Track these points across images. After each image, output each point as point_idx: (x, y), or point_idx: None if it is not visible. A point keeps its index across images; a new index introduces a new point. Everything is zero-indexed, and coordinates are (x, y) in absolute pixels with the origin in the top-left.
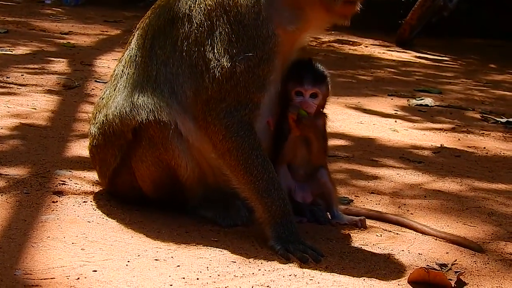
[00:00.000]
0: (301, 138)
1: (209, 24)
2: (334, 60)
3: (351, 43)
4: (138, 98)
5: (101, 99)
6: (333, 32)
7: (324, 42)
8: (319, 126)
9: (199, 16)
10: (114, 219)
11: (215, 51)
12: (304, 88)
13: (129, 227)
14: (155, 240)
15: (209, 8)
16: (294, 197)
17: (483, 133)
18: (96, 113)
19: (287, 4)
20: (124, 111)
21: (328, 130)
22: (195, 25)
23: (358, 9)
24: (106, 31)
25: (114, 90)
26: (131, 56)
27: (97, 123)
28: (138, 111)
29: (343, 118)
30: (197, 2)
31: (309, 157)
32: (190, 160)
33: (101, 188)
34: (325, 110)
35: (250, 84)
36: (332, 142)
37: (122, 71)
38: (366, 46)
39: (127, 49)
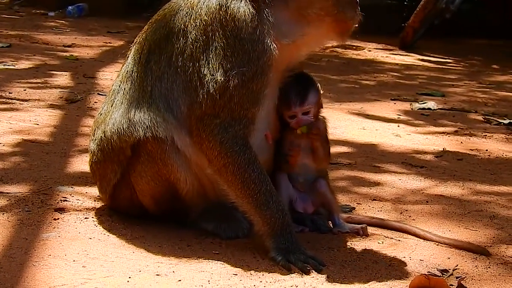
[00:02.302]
0: (304, 147)
1: (205, 39)
2: (337, 65)
3: (354, 47)
4: (134, 115)
5: (99, 114)
6: None
7: (327, 47)
8: (322, 130)
9: (194, 31)
10: (115, 235)
11: (210, 66)
12: (293, 111)
13: (131, 242)
14: (156, 254)
15: (204, 23)
16: (296, 207)
17: (486, 135)
18: (95, 129)
19: (287, 17)
20: (121, 128)
21: (331, 137)
22: (190, 40)
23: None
24: (109, 43)
25: (112, 106)
26: (127, 71)
27: (96, 139)
28: (135, 128)
29: (346, 124)
30: (192, 18)
31: (309, 165)
32: (189, 174)
33: (102, 204)
34: (327, 117)
35: (244, 99)
36: (334, 149)
37: (119, 87)
38: (370, 50)
39: (124, 63)
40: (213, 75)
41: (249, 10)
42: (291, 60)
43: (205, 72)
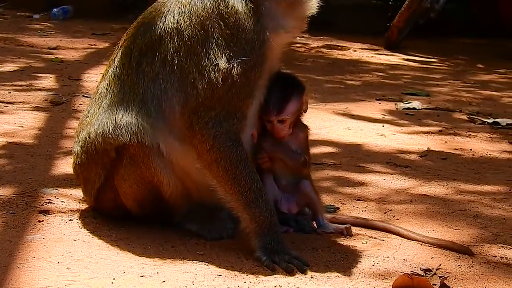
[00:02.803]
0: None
1: (203, 34)
2: (322, 65)
3: (339, 47)
4: (122, 118)
5: (85, 116)
6: (321, 37)
7: (313, 47)
8: (300, 139)
9: (189, 28)
10: (100, 237)
11: (211, 56)
12: (269, 117)
13: (115, 244)
14: (141, 256)
15: (201, 19)
16: (280, 208)
17: (470, 135)
18: (80, 131)
19: (282, 10)
20: (107, 130)
21: (315, 137)
22: (187, 37)
23: None
24: (94, 45)
25: (99, 108)
26: (115, 75)
27: (80, 141)
28: (121, 132)
29: (331, 124)
30: (186, 15)
31: (287, 170)
32: (172, 176)
33: (87, 206)
34: (312, 117)
35: (241, 89)
36: (319, 149)
37: (107, 89)
38: (355, 51)
39: (110, 66)
40: (216, 64)
41: (249, 4)
42: (281, 49)
43: (205, 63)
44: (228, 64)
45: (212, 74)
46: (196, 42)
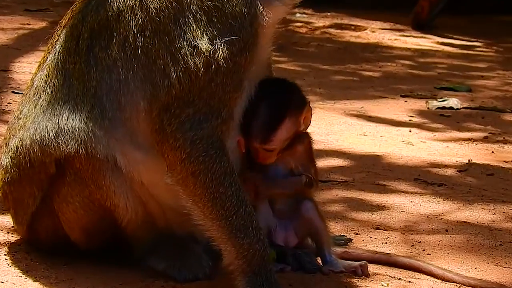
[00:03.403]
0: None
1: (176, 6)
2: (330, 51)
3: (353, 27)
4: (67, 120)
5: (16, 119)
6: (329, 14)
7: (318, 27)
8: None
9: (158, 0)
10: (35, 278)
11: (188, 35)
12: (254, 145)
13: (56, 287)
14: None
15: None
16: (274, 239)
17: None
18: (10, 138)
19: None
20: (46, 136)
21: (321, 146)
22: (154, 11)
23: None
24: (27, 24)
25: (35, 108)
26: (58, 63)
27: (9, 151)
28: (65, 139)
29: (341, 129)
30: None
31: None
32: (131, 198)
33: (18, 237)
34: (317, 119)
35: (227, 79)
36: (326, 162)
37: (46, 82)
38: (373, 31)
39: (49, 52)
40: (195, 46)
41: None
42: (274, 30)
43: (179, 45)
44: (211, 46)
45: (190, 59)
46: (167, 17)
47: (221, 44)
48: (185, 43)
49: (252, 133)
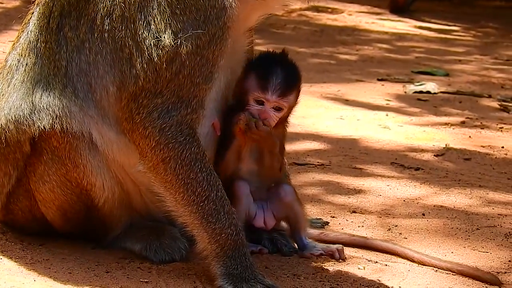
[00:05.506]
0: (248, 148)
1: None
2: (307, 34)
3: (329, 10)
4: (41, 98)
5: None
6: None
7: (294, 10)
8: (276, 137)
9: None
10: (11, 258)
11: (152, 26)
12: (267, 97)
13: (31, 267)
14: (65, 284)
15: None
16: (253, 222)
17: (502, 128)
18: None
19: None
20: (21, 114)
21: (298, 130)
22: None
23: None
24: (0, 3)
25: (8, 87)
26: (30, 42)
27: None
28: (40, 115)
29: (318, 112)
30: None
31: (259, 172)
32: (108, 177)
33: None
34: None
35: (196, 72)
36: (302, 145)
37: (19, 61)
38: (350, 14)
39: (23, 31)
40: (158, 38)
41: None
42: (248, 21)
43: (144, 36)
44: (174, 40)
45: (154, 51)
46: (132, 4)
47: (184, 38)
48: (149, 35)
49: (269, 85)
